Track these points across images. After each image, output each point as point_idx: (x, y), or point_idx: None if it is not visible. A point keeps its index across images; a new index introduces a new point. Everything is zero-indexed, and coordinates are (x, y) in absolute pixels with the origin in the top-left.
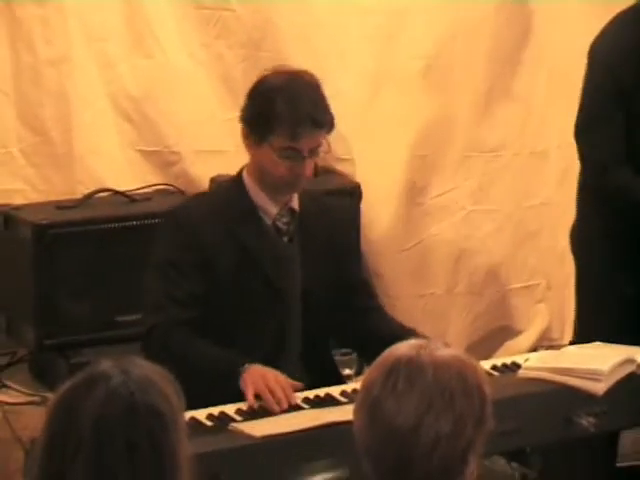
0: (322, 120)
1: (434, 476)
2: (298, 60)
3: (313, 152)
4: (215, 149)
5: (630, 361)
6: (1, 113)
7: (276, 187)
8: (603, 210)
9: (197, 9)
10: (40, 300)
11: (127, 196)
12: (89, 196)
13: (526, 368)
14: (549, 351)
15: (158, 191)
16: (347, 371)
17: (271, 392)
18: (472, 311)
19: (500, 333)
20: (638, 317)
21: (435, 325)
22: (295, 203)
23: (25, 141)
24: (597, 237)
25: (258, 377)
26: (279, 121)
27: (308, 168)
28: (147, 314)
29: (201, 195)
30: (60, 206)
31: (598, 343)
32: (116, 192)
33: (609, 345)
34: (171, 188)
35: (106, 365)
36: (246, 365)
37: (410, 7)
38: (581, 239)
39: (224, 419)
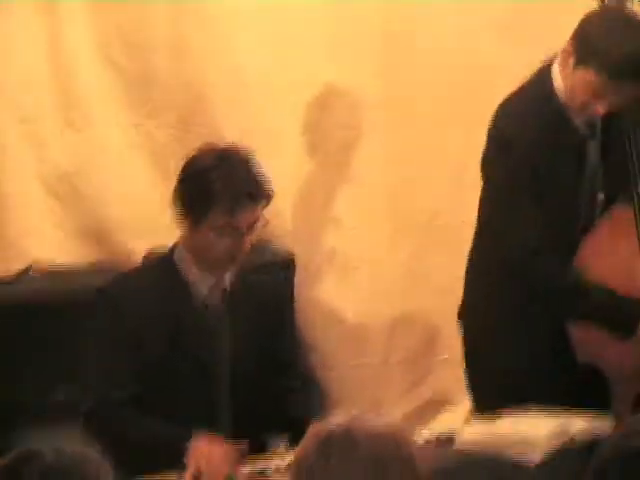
0: (259, 194)
1: None
2: (231, 136)
3: (251, 227)
4: (148, 225)
5: (564, 432)
6: None
7: (214, 263)
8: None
9: (127, 87)
10: None
11: (61, 272)
12: (21, 273)
13: (466, 436)
14: (484, 422)
15: (91, 267)
16: (280, 445)
17: (211, 470)
18: (407, 380)
19: (436, 403)
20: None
21: (371, 394)
22: (226, 280)
23: None
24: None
25: (200, 457)
26: (215, 200)
27: (247, 244)
28: (84, 394)
29: (132, 272)
30: None
31: (532, 410)
32: (50, 269)
33: (543, 413)
34: (105, 264)
35: (37, 447)
36: (191, 440)
37: (339, 80)
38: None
39: None
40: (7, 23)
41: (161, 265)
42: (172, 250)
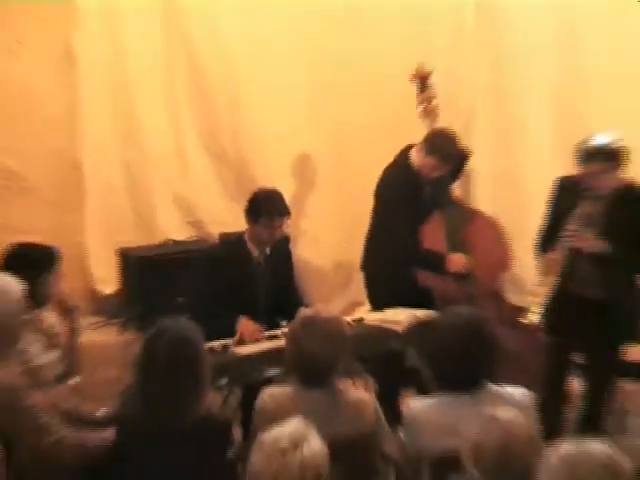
0: (284, 213)
1: (322, 370)
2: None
3: (280, 227)
4: (224, 219)
5: (414, 316)
6: None
7: (261, 243)
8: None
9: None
10: None
11: (181, 241)
12: (162, 243)
13: (366, 320)
14: (377, 313)
15: (196, 239)
16: (283, 323)
17: (248, 335)
18: (343, 293)
19: (356, 303)
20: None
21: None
22: (267, 250)
23: None
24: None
25: (242, 327)
26: (262, 214)
27: (277, 236)
28: (191, 300)
29: (223, 242)
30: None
31: (399, 308)
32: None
33: (403, 309)
34: (201, 239)
35: (168, 322)
36: (241, 317)
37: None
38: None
39: (226, 347)
40: None
41: (237, 241)
42: (242, 234)
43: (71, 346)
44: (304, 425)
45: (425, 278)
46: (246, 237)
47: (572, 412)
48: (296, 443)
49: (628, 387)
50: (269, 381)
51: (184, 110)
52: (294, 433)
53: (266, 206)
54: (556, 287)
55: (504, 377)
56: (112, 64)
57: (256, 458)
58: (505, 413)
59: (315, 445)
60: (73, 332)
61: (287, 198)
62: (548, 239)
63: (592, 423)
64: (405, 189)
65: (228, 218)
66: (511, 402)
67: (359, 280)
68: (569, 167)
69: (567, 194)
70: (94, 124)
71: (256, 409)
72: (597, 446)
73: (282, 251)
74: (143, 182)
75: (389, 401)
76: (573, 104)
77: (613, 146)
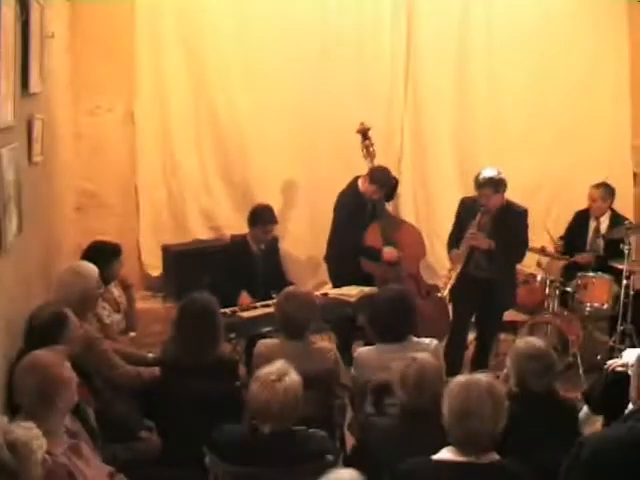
0: (273, 221)
1: (299, 327)
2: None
3: (271, 231)
4: (232, 225)
5: (364, 291)
6: None
7: (258, 241)
8: None
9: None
10: None
11: (203, 240)
12: (192, 242)
13: (329, 294)
14: (338, 289)
15: (214, 238)
16: (274, 296)
17: (244, 304)
18: (313, 275)
19: (323, 282)
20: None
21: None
22: (262, 245)
23: None
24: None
25: (242, 300)
26: (258, 221)
27: (269, 236)
28: (209, 279)
29: (232, 241)
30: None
31: (351, 286)
32: (200, 240)
33: (354, 286)
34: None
35: (196, 294)
36: (241, 291)
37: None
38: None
39: (234, 312)
40: None
41: (242, 240)
42: (245, 235)
43: (130, 311)
44: (286, 364)
45: (368, 266)
46: (248, 237)
47: (467, 354)
48: (280, 376)
49: (502, 337)
50: (264, 335)
51: (207, 151)
52: (279, 369)
53: (261, 216)
54: (460, 271)
55: (422, 331)
56: (159, 119)
57: (254, 386)
58: (421, 355)
59: (294, 377)
60: (131, 301)
61: (277, 209)
62: (455, 239)
63: (481, 362)
64: (353, 206)
65: (236, 224)
66: (426, 348)
67: (325, 267)
68: (466, 189)
69: (467, 209)
70: (148, 161)
71: (254, 354)
72: (481, 376)
73: (273, 247)
74: (179, 199)
75: (345, 349)
76: (466, 143)
77: (496, 177)
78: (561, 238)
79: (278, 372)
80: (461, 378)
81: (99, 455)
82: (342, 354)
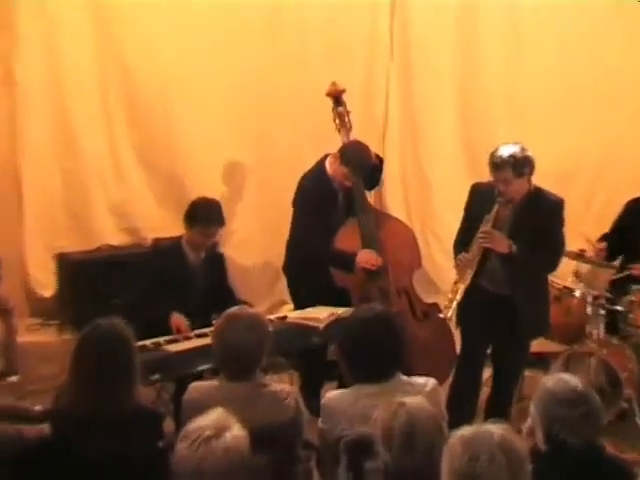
0: (219, 221)
1: (245, 362)
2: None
3: (214, 234)
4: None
5: (335, 314)
6: None
7: (196, 248)
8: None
9: None
10: None
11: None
12: (97, 248)
13: (289, 317)
14: (299, 311)
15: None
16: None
17: (179, 331)
18: (267, 293)
19: (280, 302)
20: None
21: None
22: (202, 254)
23: None
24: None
25: (175, 322)
26: (197, 222)
27: (211, 241)
28: (129, 298)
29: (162, 247)
30: None
31: (319, 307)
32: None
33: (323, 306)
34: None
35: (101, 321)
36: (173, 314)
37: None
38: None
39: (157, 344)
40: None
41: (173, 245)
42: (180, 238)
43: (8, 345)
44: (225, 414)
45: (342, 278)
46: (183, 242)
47: (482, 399)
48: (219, 431)
49: (528, 375)
50: (200, 376)
51: (118, 122)
52: (217, 421)
53: (203, 214)
54: (469, 284)
55: (417, 366)
56: (49, 81)
57: (182, 447)
58: (412, 400)
59: (237, 432)
60: (10, 332)
61: None
62: (463, 241)
63: (499, 410)
64: (319, 195)
65: (160, 224)
66: (419, 391)
67: (284, 280)
68: (476, 173)
69: (480, 200)
70: (33, 136)
71: (184, 402)
72: (493, 428)
73: (216, 255)
74: (80, 190)
75: (312, 393)
76: (476, 113)
77: (519, 156)
78: (602, 239)
79: (215, 426)
80: (466, 431)
81: None
82: (308, 400)
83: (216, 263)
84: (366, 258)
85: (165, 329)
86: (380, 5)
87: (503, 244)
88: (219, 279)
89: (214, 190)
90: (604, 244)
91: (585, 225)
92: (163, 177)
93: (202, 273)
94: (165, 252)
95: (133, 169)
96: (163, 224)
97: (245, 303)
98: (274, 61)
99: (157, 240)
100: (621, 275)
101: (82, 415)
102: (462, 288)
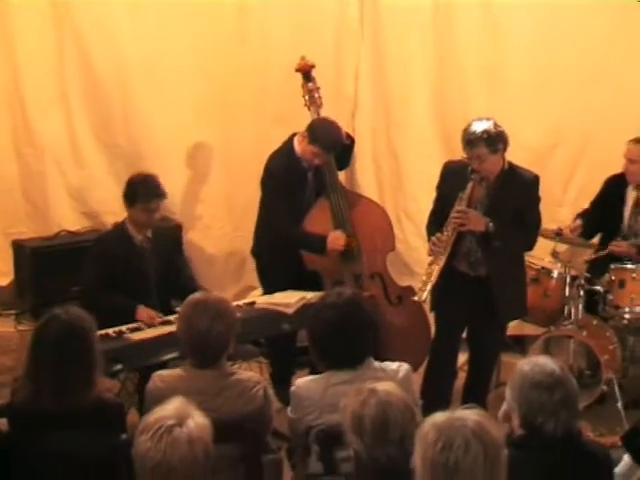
0: (160, 195)
1: (212, 348)
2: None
3: (156, 210)
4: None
5: (304, 297)
6: None
7: (140, 226)
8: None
9: None
10: None
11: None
12: (57, 234)
13: (258, 303)
14: (267, 296)
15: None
16: (177, 309)
17: (147, 321)
18: (236, 279)
19: (249, 288)
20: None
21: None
22: (148, 233)
23: None
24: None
25: (142, 315)
26: (138, 197)
27: (155, 218)
28: (82, 285)
29: (108, 232)
30: None
31: (289, 291)
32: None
33: (293, 292)
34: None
35: (59, 310)
36: (138, 306)
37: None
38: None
39: (121, 333)
40: None
41: (120, 228)
42: (124, 221)
43: None
44: (185, 403)
45: (313, 261)
46: (126, 223)
47: (459, 384)
48: (181, 419)
49: (505, 359)
50: (165, 365)
51: (76, 102)
52: (177, 410)
53: (142, 189)
54: (444, 266)
55: (392, 351)
56: (4, 65)
57: (142, 439)
58: (383, 386)
59: (200, 420)
60: None
61: (182, 186)
62: (437, 221)
63: (475, 395)
64: (287, 175)
65: (120, 208)
66: (392, 377)
67: (252, 265)
68: (450, 151)
69: (454, 178)
70: None
71: (147, 393)
72: (467, 414)
73: (170, 237)
74: (36, 173)
75: (283, 381)
76: (450, 91)
77: (493, 131)
78: (580, 215)
79: (176, 415)
80: (439, 417)
81: None
82: (278, 389)
83: (169, 245)
84: (335, 239)
85: (127, 316)
86: None
87: (479, 222)
88: (175, 262)
89: (178, 173)
90: (579, 222)
91: (564, 203)
92: (123, 160)
93: (152, 252)
94: (109, 237)
95: (92, 153)
96: (124, 208)
97: (202, 289)
98: (239, 39)
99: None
100: (601, 253)
101: (41, 410)
102: (437, 270)
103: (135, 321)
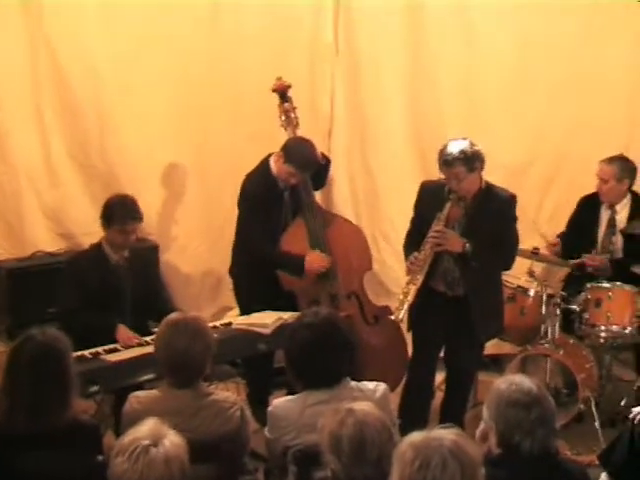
0: (136, 217)
1: (189, 368)
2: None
3: (133, 232)
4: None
5: (281, 319)
6: None
7: (117, 247)
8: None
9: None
10: None
11: (49, 253)
12: (32, 254)
13: (235, 324)
14: (245, 317)
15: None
16: (154, 329)
17: (125, 342)
18: (212, 299)
19: (225, 308)
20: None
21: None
22: (125, 253)
23: None
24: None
25: (121, 335)
26: (114, 219)
27: (131, 239)
28: (60, 306)
29: (84, 251)
30: None
31: (266, 312)
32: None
33: (271, 312)
34: (70, 249)
35: (35, 331)
36: (119, 325)
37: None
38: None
39: (97, 354)
40: None
41: (96, 248)
42: (101, 241)
43: None
44: (159, 423)
45: (289, 282)
46: (103, 244)
47: (436, 403)
48: (156, 439)
49: (482, 378)
50: (141, 387)
51: (51, 122)
52: (151, 431)
53: (119, 211)
54: (421, 285)
55: (369, 371)
56: None
57: (119, 461)
58: (360, 406)
59: (175, 439)
60: None
61: (156, 207)
62: (414, 241)
63: (452, 415)
64: (264, 195)
65: (97, 229)
66: (369, 397)
67: (228, 285)
68: (426, 171)
69: (431, 198)
70: None
71: (123, 414)
72: (444, 433)
73: (146, 257)
74: (10, 194)
75: (260, 402)
76: (426, 111)
77: (469, 151)
78: (559, 236)
79: (152, 435)
80: (416, 437)
81: None
82: (255, 409)
83: (146, 266)
84: (314, 260)
85: (104, 337)
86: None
87: (457, 243)
88: (150, 283)
89: (153, 194)
90: (557, 240)
91: (540, 221)
92: (99, 180)
93: (128, 272)
94: (85, 257)
95: (67, 172)
96: (100, 229)
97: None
98: (213, 59)
99: (93, 245)
100: (575, 262)
101: (16, 430)
102: (414, 289)
103: (114, 341)
